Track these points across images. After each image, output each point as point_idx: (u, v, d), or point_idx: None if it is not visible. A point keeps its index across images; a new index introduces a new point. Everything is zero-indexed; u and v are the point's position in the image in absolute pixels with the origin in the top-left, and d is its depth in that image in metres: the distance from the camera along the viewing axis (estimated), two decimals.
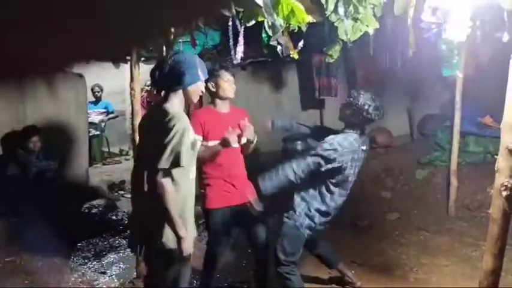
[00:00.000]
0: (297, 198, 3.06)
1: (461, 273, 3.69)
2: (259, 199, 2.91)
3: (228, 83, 3.00)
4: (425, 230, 4.69)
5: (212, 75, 2.92)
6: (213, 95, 3.04)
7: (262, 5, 2.15)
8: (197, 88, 2.35)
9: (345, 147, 2.88)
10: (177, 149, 2.14)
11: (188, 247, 2.26)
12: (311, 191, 3.02)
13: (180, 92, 2.31)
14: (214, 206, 3.00)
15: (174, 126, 2.15)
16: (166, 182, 2.15)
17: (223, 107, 3.06)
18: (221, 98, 3.03)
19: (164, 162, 2.13)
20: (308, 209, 3.00)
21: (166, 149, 2.13)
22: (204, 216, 3.09)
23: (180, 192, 2.23)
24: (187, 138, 2.20)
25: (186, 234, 2.24)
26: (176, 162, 2.15)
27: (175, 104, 2.29)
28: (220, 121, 2.98)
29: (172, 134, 2.13)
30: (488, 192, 3.52)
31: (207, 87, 2.88)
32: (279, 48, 2.94)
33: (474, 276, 2.66)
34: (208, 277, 3.17)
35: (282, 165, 2.89)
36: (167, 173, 2.16)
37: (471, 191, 5.22)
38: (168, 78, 2.27)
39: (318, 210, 3.00)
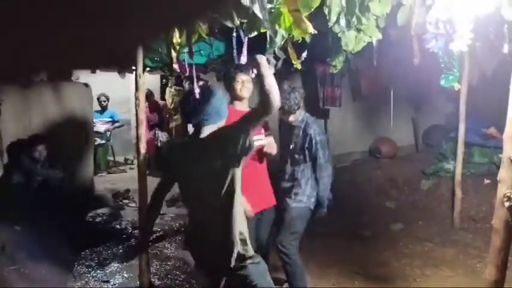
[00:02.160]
0: (303, 181, 3.29)
1: (466, 285, 3.67)
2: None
3: (241, 84, 3.01)
4: (429, 241, 4.67)
5: (228, 78, 3.02)
6: (231, 96, 3.08)
7: (261, 17, 2.17)
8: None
9: None
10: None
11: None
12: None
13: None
14: None
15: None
16: None
17: (241, 106, 3.08)
18: (237, 99, 3.06)
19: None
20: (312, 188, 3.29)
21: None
22: None
23: None
24: None
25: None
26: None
27: None
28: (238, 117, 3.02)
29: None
30: (493, 204, 3.51)
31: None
32: (273, 61, 2.97)
33: None
34: None
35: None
36: None
37: (476, 202, 5.20)
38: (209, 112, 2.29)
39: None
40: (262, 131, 3.11)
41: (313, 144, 3.24)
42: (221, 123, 2.35)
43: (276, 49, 3.61)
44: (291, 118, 3.32)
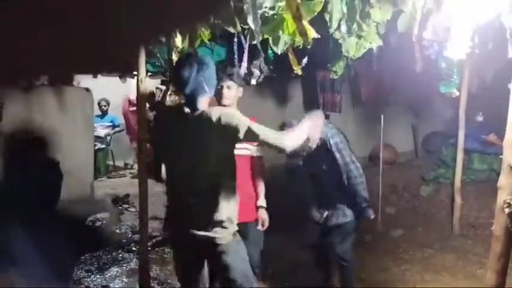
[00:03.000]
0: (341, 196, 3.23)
1: None
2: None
3: (226, 90, 2.88)
4: (429, 247, 4.67)
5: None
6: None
7: (253, 27, 2.19)
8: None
9: None
10: None
11: None
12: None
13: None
14: None
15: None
16: None
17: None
18: (220, 104, 2.92)
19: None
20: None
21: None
22: None
23: None
24: None
25: None
26: None
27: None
28: None
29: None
30: (493, 210, 3.52)
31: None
32: (256, 72, 3.00)
33: None
34: None
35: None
36: None
37: (475, 209, 5.20)
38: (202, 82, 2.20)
39: None
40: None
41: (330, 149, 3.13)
42: (212, 93, 2.28)
43: (261, 62, 3.64)
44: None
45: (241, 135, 2.13)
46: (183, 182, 2.27)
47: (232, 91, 2.89)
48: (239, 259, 2.29)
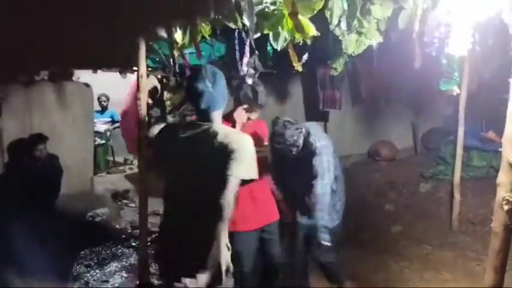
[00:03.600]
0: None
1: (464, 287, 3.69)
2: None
3: (247, 114, 2.87)
4: (428, 243, 4.68)
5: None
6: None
7: (248, 24, 2.19)
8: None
9: None
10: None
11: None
12: None
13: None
14: (241, 229, 2.87)
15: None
16: None
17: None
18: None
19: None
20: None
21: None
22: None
23: None
24: None
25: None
26: None
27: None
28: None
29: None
30: (492, 207, 3.53)
31: None
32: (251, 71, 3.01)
33: None
34: None
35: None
36: None
37: (474, 205, 5.21)
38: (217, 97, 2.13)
39: None
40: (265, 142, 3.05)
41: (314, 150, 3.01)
42: (224, 107, 2.22)
43: (256, 61, 3.64)
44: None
45: (230, 169, 2.04)
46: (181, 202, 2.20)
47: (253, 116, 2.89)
48: None
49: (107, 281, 4.02)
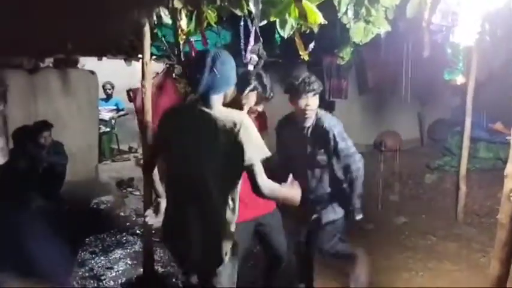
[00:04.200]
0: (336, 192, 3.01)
1: (468, 279, 3.67)
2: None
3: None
4: (432, 234, 4.66)
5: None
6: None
7: (254, 11, 2.15)
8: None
9: None
10: None
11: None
12: None
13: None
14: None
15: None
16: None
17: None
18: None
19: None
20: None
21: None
22: None
23: None
24: None
25: None
26: None
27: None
28: None
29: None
30: (498, 199, 3.50)
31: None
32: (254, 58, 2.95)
33: (481, 283, 2.65)
34: None
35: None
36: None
37: (480, 197, 5.19)
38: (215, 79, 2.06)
39: None
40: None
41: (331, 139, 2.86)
42: (229, 90, 2.16)
43: (260, 48, 3.60)
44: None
45: (245, 156, 1.99)
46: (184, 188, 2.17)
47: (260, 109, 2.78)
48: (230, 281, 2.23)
49: (111, 268, 4.04)
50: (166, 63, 5.45)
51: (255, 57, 3.23)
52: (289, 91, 2.88)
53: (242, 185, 2.68)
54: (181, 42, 3.09)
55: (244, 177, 2.55)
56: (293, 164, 2.85)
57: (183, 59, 4.32)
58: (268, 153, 2.08)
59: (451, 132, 6.28)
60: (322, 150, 2.89)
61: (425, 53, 3.21)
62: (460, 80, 4.33)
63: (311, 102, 2.78)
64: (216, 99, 2.09)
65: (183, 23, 2.71)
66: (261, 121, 3.01)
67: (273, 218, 2.95)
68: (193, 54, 4.08)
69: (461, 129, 5.06)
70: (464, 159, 4.92)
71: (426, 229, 4.81)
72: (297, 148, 2.95)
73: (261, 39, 3.08)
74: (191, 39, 3.52)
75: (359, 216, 2.99)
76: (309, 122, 2.88)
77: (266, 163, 2.05)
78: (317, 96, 2.81)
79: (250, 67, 2.86)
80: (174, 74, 5.86)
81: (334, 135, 2.84)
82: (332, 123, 2.87)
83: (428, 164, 6.16)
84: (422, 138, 7.79)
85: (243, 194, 2.72)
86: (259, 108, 2.80)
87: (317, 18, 2.38)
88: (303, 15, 2.20)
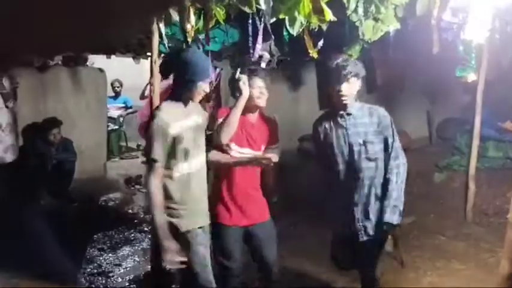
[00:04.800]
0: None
1: (477, 279, 3.64)
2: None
3: (256, 90, 2.65)
4: (441, 234, 4.63)
5: (237, 82, 2.60)
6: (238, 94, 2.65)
7: (264, 9, 2.15)
8: (197, 89, 2.38)
9: None
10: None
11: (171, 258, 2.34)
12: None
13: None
14: (227, 223, 2.76)
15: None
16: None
17: (250, 113, 2.75)
18: (251, 110, 2.72)
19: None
20: None
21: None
22: (213, 230, 2.76)
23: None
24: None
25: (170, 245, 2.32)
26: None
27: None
28: (244, 127, 2.73)
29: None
30: (508, 198, 3.47)
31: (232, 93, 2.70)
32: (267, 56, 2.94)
33: (489, 283, 2.63)
34: None
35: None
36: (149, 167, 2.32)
37: (489, 197, 5.15)
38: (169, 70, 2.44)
39: None
40: (262, 146, 2.82)
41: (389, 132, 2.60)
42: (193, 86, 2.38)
43: (271, 45, 3.58)
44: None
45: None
46: None
47: (263, 90, 2.68)
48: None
49: (119, 265, 4.06)
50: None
51: (266, 55, 3.22)
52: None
53: (241, 190, 2.69)
54: (189, 40, 3.10)
55: (244, 181, 2.60)
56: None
57: None
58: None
59: (460, 131, 6.23)
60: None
61: (434, 50, 3.18)
62: (471, 77, 4.30)
63: (346, 87, 2.56)
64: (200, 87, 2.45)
65: (191, 21, 2.71)
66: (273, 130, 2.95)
67: (266, 227, 2.88)
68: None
69: (471, 128, 5.02)
70: (474, 158, 4.88)
71: (435, 228, 4.77)
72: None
73: (272, 36, 3.07)
74: (199, 38, 3.51)
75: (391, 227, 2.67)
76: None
77: None
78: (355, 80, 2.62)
79: (263, 65, 2.85)
80: None
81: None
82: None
83: (437, 163, 6.12)
84: (431, 137, 7.73)
85: (241, 199, 2.73)
86: (261, 103, 2.75)
87: (327, 15, 2.37)
88: (317, 11, 2.20)
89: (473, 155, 4.89)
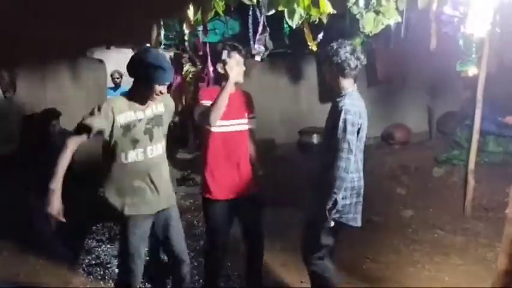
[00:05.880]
0: None
1: (475, 274, 3.65)
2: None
3: (235, 64, 2.74)
4: (440, 228, 4.64)
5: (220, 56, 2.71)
6: (222, 77, 2.78)
7: (261, 0, 2.14)
8: (153, 91, 2.45)
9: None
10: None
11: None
12: None
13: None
14: (216, 197, 2.88)
15: None
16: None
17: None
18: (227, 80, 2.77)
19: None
20: None
21: None
22: (203, 206, 2.98)
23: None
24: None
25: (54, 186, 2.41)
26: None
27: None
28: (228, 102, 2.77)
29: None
30: (507, 193, 3.46)
31: (215, 69, 2.82)
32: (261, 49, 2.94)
33: (488, 277, 2.63)
34: (213, 276, 3.09)
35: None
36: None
37: (488, 191, 5.15)
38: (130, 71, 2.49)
39: None
40: (245, 114, 2.92)
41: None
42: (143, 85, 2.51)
43: (266, 38, 3.58)
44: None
45: None
46: None
47: (241, 65, 2.76)
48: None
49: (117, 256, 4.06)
50: (175, 53, 5.45)
51: (261, 48, 3.21)
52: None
53: (223, 166, 2.84)
54: (187, 31, 3.08)
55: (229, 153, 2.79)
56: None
57: (187, 49, 4.31)
58: None
59: (460, 126, 6.22)
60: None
61: (431, 46, 3.17)
62: (472, 71, 4.29)
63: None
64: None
65: (190, 12, 2.69)
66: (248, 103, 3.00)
67: (251, 200, 2.95)
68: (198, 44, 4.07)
69: (471, 123, 5.01)
70: (473, 152, 4.87)
71: (433, 223, 4.78)
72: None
73: (267, 29, 3.06)
74: (198, 29, 3.50)
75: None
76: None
77: None
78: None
79: (257, 58, 2.86)
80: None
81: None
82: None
83: (437, 157, 6.12)
84: (431, 131, 7.73)
85: (224, 175, 2.83)
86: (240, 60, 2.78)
87: (327, 7, 2.35)
88: (315, 4, 2.18)
89: (473, 150, 4.88)
